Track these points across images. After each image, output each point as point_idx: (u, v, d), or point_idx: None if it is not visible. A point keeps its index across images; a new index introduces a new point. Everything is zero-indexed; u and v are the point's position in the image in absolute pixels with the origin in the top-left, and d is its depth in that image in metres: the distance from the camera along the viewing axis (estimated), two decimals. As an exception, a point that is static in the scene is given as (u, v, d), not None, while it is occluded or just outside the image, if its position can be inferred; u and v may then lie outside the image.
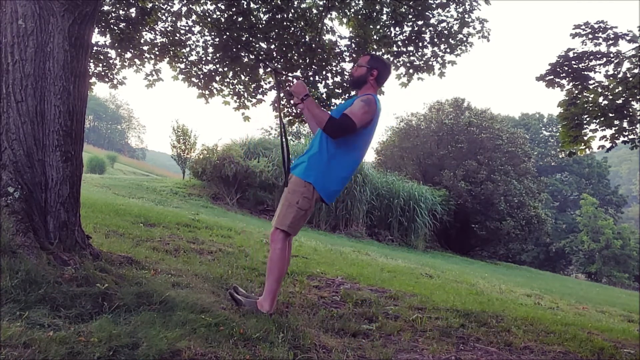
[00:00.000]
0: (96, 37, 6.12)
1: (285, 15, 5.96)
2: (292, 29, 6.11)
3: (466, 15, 5.86)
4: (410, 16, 5.90)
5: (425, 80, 7.39)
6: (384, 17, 6.06)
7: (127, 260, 3.30)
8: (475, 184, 19.55)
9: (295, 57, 6.20)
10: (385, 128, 26.33)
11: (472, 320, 3.78)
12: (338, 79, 6.21)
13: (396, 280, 5.53)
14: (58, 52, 2.84)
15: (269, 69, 6.11)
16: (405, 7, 5.84)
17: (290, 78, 5.17)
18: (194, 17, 6.29)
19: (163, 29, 6.34)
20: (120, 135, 79.09)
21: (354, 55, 6.08)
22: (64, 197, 2.85)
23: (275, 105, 6.08)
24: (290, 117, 6.46)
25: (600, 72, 5.36)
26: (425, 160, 21.72)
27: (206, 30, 6.32)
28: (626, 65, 5.25)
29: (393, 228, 16.24)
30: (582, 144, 5.72)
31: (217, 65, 6.38)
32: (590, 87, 5.42)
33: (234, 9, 5.98)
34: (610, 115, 5.36)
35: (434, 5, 5.80)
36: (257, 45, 6.22)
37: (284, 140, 3.28)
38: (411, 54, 6.09)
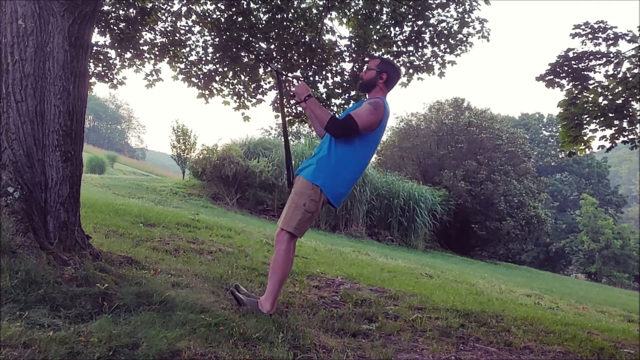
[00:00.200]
0: (96, 37, 6.14)
1: (285, 15, 5.97)
2: (292, 29, 6.11)
3: (466, 15, 5.87)
4: (410, 16, 5.91)
5: (425, 80, 7.39)
6: (384, 17, 6.07)
7: (127, 260, 3.30)
8: (475, 184, 19.54)
9: (295, 57, 6.20)
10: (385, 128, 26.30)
11: (472, 320, 3.78)
12: (338, 79, 6.22)
13: (396, 280, 5.52)
14: (58, 52, 2.83)
15: (270, 70, 6.11)
16: (405, 7, 5.84)
17: (290, 78, 5.17)
18: (193, 17, 6.29)
19: (163, 29, 6.34)
20: (120, 135, 79.07)
21: (353, 55, 6.08)
22: (63, 197, 2.84)
23: (277, 105, 6.09)
24: (290, 117, 6.47)
25: (600, 72, 5.37)
26: (425, 160, 21.72)
27: (206, 30, 6.32)
28: (626, 65, 5.26)
29: (393, 228, 16.24)
30: (582, 144, 5.73)
31: (217, 65, 6.38)
32: (590, 87, 5.43)
33: (233, 9, 5.99)
34: (610, 115, 5.36)
35: (433, 5, 5.81)
36: (257, 45, 6.23)
37: (285, 140, 3.29)
38: (411, 54, 6.10)
